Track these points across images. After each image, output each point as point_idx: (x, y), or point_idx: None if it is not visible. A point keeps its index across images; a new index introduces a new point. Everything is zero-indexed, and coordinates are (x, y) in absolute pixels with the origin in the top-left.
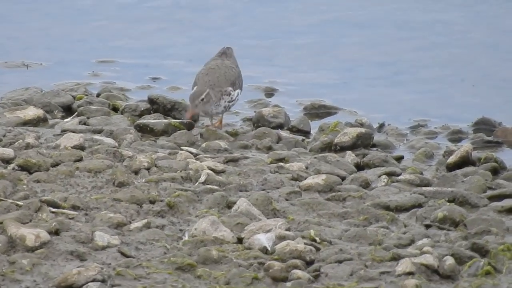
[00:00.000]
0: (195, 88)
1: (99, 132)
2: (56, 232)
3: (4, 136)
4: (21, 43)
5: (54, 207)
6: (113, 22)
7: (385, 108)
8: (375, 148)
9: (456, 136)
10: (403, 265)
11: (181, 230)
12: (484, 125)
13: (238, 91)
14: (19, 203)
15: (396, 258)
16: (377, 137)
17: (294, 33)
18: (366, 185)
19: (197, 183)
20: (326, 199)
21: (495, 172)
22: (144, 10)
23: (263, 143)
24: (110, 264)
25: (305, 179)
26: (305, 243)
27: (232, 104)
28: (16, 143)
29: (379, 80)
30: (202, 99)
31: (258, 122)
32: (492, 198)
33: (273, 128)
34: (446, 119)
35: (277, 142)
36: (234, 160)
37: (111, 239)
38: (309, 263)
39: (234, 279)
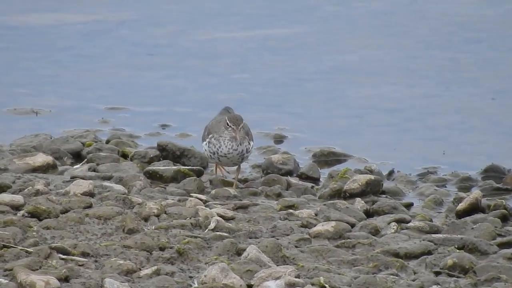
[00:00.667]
0: (224, 117)
1: (108, 178)
2: (66, 279)
3: (13, 182)
4: (30, 90)
5: (64, 254)
6: (122, 69)
7: (395, 155)
8: (384, 195)
9: (466, 183)
10: None
11: (190, 277)
12: (493, 172)
13: (252, 143)
14: (29, 250)
15: None
16: (387, 184)
17: (303, 80)
18: (376, 232)
19: (207, 230)
20: (335, 246)
21: (504, 219)
22: (154, 57)
23: (272, 190)
24: None
25: (315, 226)
26: None
27: (247, 155)
28: (25, 189)
29: (389, 127)
30: (243, 125)
31: (267, 169)
32: (502, 245)
33: (283, 175)
34: (456, 166)
35: (287, 189)
36: (244, 207)
37: (121, 286)
38: None
39: None
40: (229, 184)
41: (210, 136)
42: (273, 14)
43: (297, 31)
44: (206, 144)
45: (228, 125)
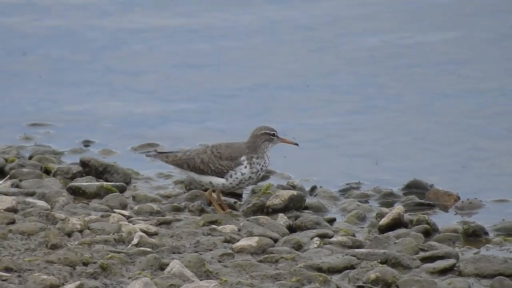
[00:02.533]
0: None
1: (31, 194)
2: None
3: None
4: None
5: None
6: (45, 85)
7: (317, 171)
8: (307, 211)
9: (388, 199)
10: None
11: None
12: (415, 188)
13: None
14: None
15: None
16: (309, 200)
17: (226, 97)
18: (299, 247)
19: (130, 245)
20: (258, 261)
21: (427, 234)
22: (77, 74)
23: (195, 206)
24: None
25: (238, 241)
26: None
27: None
28: None
29: (311, 143)
30: None
31: (190, 184)
32: (425, 260)
33: (205, 190)
34: (378, 182)
35: (209, 205)
36: (167, 223)
37: None
38: None
39: None
40: (153, 199)
41: (245, 159)
42: (196, 29)
43: (220, 46)
44: (245, 167)
45: (274, 136)
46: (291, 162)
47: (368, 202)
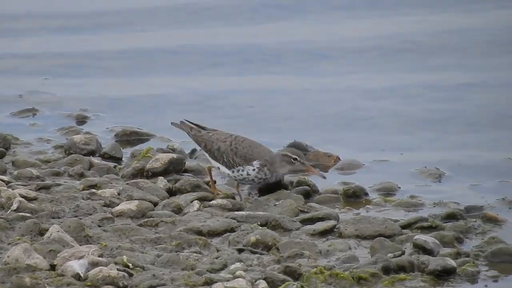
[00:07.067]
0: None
1: None
2: None
3: None
4: None
5: None
6: None
7: None
8: (187, 174)
9: None
10: None
11: None
12: (296, 149)
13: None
14: None
15: (209, 283)
16: (189, 163)
17: (104, 59)
18: (179, 210)
19: (9, 210)
20: (138, 225)
21: (307, 195)
22: None
23: (75, 170)
24: None
25: (118, 205)
26: (118, 269)
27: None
28: None
29: (191, 106)
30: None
31: (70, 149)
32: (305, 221)
33: (85, 155)
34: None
35: (89, 169)
36: (46, 187)
37: None
38: None
39: None
40: (32, 164)
41: (258, 164)
42: None
43: (98, 9)
44: (253, 170)
45: (296, 160)
46: (170, 125)
47: None
